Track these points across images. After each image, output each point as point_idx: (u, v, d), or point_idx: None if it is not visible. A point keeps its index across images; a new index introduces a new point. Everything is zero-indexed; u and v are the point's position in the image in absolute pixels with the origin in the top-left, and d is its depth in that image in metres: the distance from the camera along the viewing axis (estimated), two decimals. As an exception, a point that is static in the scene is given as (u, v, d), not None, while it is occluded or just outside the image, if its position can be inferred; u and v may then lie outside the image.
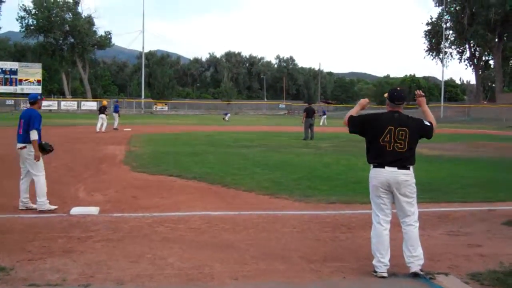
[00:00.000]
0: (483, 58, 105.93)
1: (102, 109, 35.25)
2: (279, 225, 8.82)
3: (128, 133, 33.42)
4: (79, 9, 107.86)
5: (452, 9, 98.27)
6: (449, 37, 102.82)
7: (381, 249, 6.23)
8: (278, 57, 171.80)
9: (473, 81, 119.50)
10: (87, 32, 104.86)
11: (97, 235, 7.86)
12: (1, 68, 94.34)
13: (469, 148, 26.12)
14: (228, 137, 31.25)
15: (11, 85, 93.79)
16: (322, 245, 7.61)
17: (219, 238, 7.86)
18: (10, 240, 7.51)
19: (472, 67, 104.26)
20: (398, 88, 6.73)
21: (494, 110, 76.18)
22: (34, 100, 10.19)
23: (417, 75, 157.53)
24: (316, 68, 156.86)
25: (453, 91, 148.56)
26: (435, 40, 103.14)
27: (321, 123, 56.13)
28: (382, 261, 6.20)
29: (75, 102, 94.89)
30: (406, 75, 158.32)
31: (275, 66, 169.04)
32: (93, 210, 9.58)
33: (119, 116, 38.20)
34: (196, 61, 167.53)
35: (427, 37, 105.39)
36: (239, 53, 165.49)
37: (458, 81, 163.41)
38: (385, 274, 6.16)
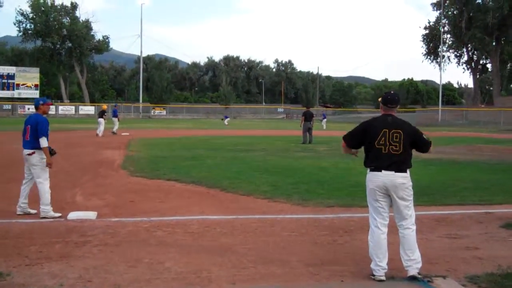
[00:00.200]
0: (481, 62, 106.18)
1: (101, 114, 35.34)
2: (277, 229, 8.81)
3: (126, 137, 33.43)
4: (77, 13, 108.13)
5: (450, 13, 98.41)
6: (447, 41, 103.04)
7: (379, 252, 6.23)
8: (276, 61, 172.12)
9: (470, 84, 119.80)
10: (85, 37, 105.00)
11: (95, 239, 7.84)
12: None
13: (466, 151, 26.14)
14: (226, 141, 31.24)
15: (8, 89, 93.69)
16: (320, 248, 7.60)
17: (217, 242, 7.85)
18: (7, 245, 7.48)
19: (469, 70, 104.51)
20: (392, 92, 6.77)
21: (492, 113, 76.25)
22: (37, 105, 10.14)
23: (415, 79, 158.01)
24: (315, 72, 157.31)
25: (451, 95, 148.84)
26: (433, 44, 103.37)
27: (324, 127, 56.23)
28: (380, 264, 6.20)
29: (73, 107, 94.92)
30: (404, 79, 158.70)
31: (274, 70, 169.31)
32: (91, 214, 9.56)
33: (118, 120, 38.21)
34: (195, 65, 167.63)
35: (425, 41, 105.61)
36: (237, 57, 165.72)
37: (455, 85, 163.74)
38: (383, 278, 6.16)
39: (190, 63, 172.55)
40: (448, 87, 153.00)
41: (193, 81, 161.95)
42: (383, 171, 6.21)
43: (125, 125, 40.41)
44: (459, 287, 5.90)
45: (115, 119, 37.56)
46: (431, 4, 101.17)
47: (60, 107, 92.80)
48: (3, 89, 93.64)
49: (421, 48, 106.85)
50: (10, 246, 7.40)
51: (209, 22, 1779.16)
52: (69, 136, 31.23)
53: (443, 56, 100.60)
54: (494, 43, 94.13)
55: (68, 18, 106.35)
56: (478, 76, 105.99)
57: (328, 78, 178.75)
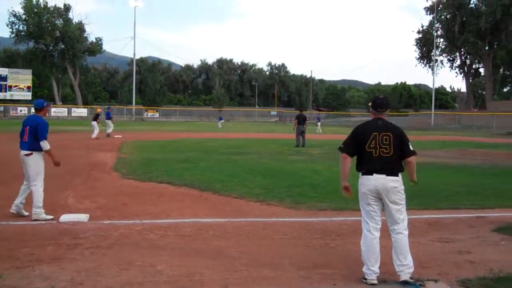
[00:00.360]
0: (474, 66, 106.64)
1: (94, 117, 35.38)
2: (270, 232, 8.81)
3: (119, 139, 33.34)
4: (70, 15, 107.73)
5: (443, 17, 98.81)
6: (440, 45, 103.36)
7: (371, 257, 6.24)
8: (269, 64, 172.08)
9: (463, 88, 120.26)
10: (78, 38, 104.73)
11: (87, 242, 7.82)
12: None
13: (459, 155, 26.20)
14: (219, 144, 31.22)
15: (0, 91, 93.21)
16: (312, 252, 7.61)
17: (209, 245, 7.84)
18: (-2, 247, 7.46)
19: (462, 74, 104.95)
20: (381, 96, 6.81)
21: (484, 117, 76.46)
22: (40, 107, 10.08)
23: (408, 83, 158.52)
24: (308, 75, 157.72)
25: (443, 99, 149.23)
26: (426, 48, 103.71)
27: (316, 131, 56.26)
28: (372, 269, 6.20)
29: (66, 109, 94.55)
30: (397, 83, 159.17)
31: (267, 73, 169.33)
32: (83, 217, 9.53)
33: (112, 122, 38.15)
34: (188, 67, 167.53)
35: (418, 45, 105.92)
36: (230, 60, 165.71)
37: (448, 89, 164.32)
38: (375, 282, 6.16)
39: (183, 65, 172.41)
40: (441, 91, 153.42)
41: (186, 83, 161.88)
42: (374, 174, 6.24)
43: (117, 127, 40.36)
44: (451, 291, 5.91)
45: (109, 121, 37.50)
46: (424, 8, 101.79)
47: (53, 109, 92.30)
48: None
49: (415, 52, 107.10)
50: (1, 248, 7.37)
51: (202, 25, 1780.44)
52: (61, 138, 31.10)
53: (436, 60, 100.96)
54: (487, 48, 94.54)
55: (61, 20, 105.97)
56: (471, 80, 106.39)
57: (321, 81, 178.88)
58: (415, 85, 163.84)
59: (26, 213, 9.62)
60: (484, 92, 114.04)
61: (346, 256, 7.34)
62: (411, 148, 6.43)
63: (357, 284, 6.20)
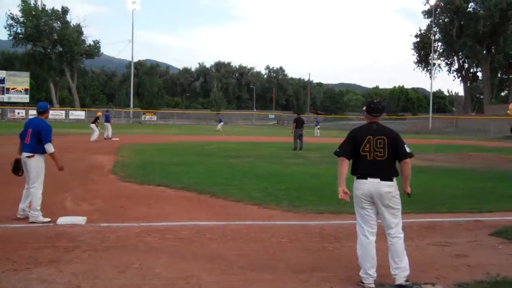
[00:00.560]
0: (471, 70, 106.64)
1: (94, 120, 35.41)
2: (267, 235, 8.80)
3: (117, 142, 33.35)
4: (68, 18, 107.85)
5: (441, 21, 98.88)
6: (438, 48, 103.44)
7: (367, 261, 6.24)
8: (267, 67, 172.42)
9: (461, 92, 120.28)
10: (75, 41, 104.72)
11: (84, 245, 7.82)
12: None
13: (457, 159, 26.20)
14: (217, 147, 31.22)
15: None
16: (309, 255, 7.61)
17: (207, 248, 7.84)
18: (-4, 250, 7.45)
19: (460, 78, 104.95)
20: (375, 100, 6.80)
21: (482, 121, 76.52)
22: (44, 110, 10.07)
23: (406, 86, 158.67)
24: (306, 79, 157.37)
25: (441, 103, 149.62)
26: (423, 52, 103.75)
27: (315, 134, 56.28)
28: (369, 272, 6.21)
29: (63, 112, 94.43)
30: (395, 86, 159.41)
31: (265, 76, 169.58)
32: (80, 219, 9.53)
33: (110, 125, 38.14)
34: (186, 71, 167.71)
35: (416, 49, 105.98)
36: (228, 63, 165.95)
37: (446, 93, 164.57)
38: (372, 285, 6.17)
39: (181, 68, 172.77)
40: (438, 95, 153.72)
41: (184, 86, 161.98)
42: (368, 178, 6.23)
43: (115, 130, 40.31)
44: (448, 295, 5.92)
45: (108, 124, 37.47)
46: (422, 12, 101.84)
47: (50, 112, 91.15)
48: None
49: (412, 56, 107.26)
50: (-2, 251, 7.36)
51: (200, 28, 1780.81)
52: (59, 141, 31.03)
53: (434, 64, 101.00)
54: (484, 52, 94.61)
55: (59, 23, 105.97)
56: (468, 84, 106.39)
57: (319, 85, 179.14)
58: (413, 89, 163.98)
59: None
60: (481, 96, 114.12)
61: (343, 259, 7.34)
62: (407, 150, 6.41)
63: (354, 288, 6.21)
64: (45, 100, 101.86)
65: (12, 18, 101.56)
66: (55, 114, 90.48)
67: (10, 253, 7.23)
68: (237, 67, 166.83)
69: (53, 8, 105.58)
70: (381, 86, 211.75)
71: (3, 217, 9.63)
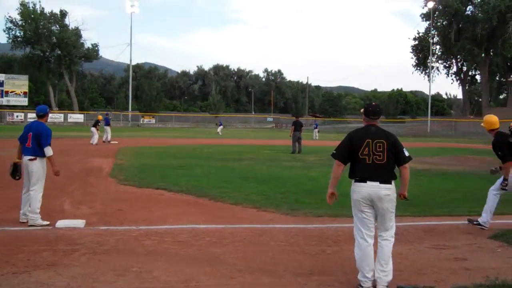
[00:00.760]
0: (470, 73, 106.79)
1: (95, 123, 35.41)
2: (266, 238, 8.81)
3: (115, 145, 33.34)
4: (67, 21, 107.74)
5: (439, 24, 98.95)
6: (436, 52, 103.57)
7: (366, 264, 6.24)
8: (266, 70, 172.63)
9: (459, 95, 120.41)
10: (74, 44, 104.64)
11: (83, 248, 7.81)
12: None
13: (455, 162, 26.22)
14: (216, 150, 31.23)
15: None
16: (308, 258, 7.61)
17: (205, 252, 7.83)
18: (-6, 253, 7.44)
19: (459, 81, 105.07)
20: (373, 103, 6.79)
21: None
22: (44, 113, 10.09)
23: (404, 89, 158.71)
24: (304, 82, 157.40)
25: (440, 106, 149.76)
26: (422, 54, 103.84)
27: (313, 137, 56.29)
28: (367, 276, 6.20)
29: (62, 115, 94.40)
30: (393, 89, 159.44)
31: (263, 79, 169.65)
32: (79, 223, 9.53)
33: (110, 128, 38.14)
34: (184, 74, 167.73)
35: (414, 52, 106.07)
36: (227, 66, 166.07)
37: (445, 96, 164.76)
38: (371, 288, 6.17)
39: (179, 71, 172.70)
40: (437, 98, 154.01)
41: (182, 90, 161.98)
42: (368, 182, 6.22)
43: (114, 133, 40.26)
44: (447, 298, 5.92)
45: (107, 128, 37.46)
46: (420, 15, 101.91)
47: (49, 115, 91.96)
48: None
49: (411, 59, 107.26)
50: (-3, 254, 7.35)
51: (199, 31, 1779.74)
52: (57, 144, 31.07)
53: (432, 67, 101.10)
54: (483, 55, 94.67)
55: (57, 26, 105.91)
56: (467, 87, 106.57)
57: (318, 88, 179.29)
58: (411, 92, 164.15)
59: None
60: (480, 99, 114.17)
61: (342, 262, 7.34)
62: (406, 154, 6.41)
63: (353, 291, 6.21)
64: (43, 103, 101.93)
65: (11, 22, 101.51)
66: (54, 117, 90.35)
67: (9, 256, 7.22)
68: (236, 70, 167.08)
69: (51, 12, 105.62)
70: (379, 89, 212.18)
71: (2, 220, 9.62)
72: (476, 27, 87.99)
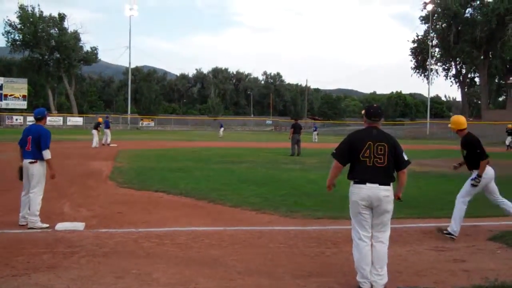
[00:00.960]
0: (469, 75, 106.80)
1: (95, 126, 35.49)
2: (265, 240, 8.81)
3: (114, 148, 33.37)
4: (65, 24, 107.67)
5: (438, 26, 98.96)
6: (435, 54, 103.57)
7: (364, 264, 6.25)
8: (265, 73, 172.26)
9: (458, 98, 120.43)
10: (73, 48, 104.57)
11: (82, 250, 7.81)
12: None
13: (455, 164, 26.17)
14: (215, 153, 31.22)
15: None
16: (308, 260, 7.61)
17: (205, 254, 7.83)
18: (-6, 255, 7.44)
19: (458, 84, 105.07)
20: (375, 105, 6.78)
21: (480, 126, 76.42)
22: (42, 116, 10.10)
23: (403, 92, 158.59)
24: (303, 85, 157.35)
25: (439, 108, 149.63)
26: (421, 57, 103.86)
27: (313, 139, 56.32)
28: (366, 276, 6.21)
29: (61, 118, 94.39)
30: (392, 92, 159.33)
31: (262, 82, 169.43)
32: (79, 225, 9.53)
33: (110, 131, 38.20)
34: (183, 77, 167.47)
35: (413, 54, 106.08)
36: (226, 69, 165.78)
37: (444, 98, 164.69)
38: (370, 288, 6.19)
39: (178, 74, 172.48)
40: (436, 100, 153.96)
41: (181, 92, 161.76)
42: (367, 183, 6.22)
43: (113, 136, 40.24)
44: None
45: (107, 130, 37.55)
46: (420, 17, 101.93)
47: (48, 118, 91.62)
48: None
49: (410, 61, 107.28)
50: (-3, 257, 7.35)
51: (198, 34, 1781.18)
52: (57, 147, 31.07)
53: (431, 70, 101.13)
54: (482, 57, 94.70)
55: (56, 29, 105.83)
56: (466, 89, 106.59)
57: (317, 90, 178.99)
58: (410, 94, 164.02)
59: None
60: (479, 101, 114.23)
61: (341, 264, 7.34)
62: (405, 158, 6.43)
63: (352, 293, 6.21)
64: (42, 106, 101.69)
65: (10, 25, 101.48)
66: (53, 120, 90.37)
67: (8, 259, 7.22)
68: (235, 73, 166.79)
69: (50, 15, 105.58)
70: (378, 92, 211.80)
71: (1, 223, 9.63)
72: (475, 30, 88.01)
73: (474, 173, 9.77)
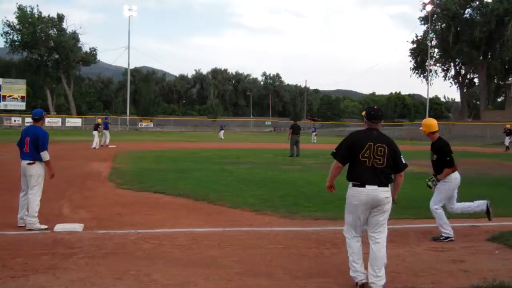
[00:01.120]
0: (468, 76, 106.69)
1: (95, 127, 35.52)
2: (264, 241, 8.81)
3: (113, 149, 33.36)
4: (64, 25, 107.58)
5: (437, 27, 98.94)
6: (434, 55, 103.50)
7: (356, 258, 6.34)
8: (264, 74, 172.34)
9: (457, 98, 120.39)
10: (72, 48, 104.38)
11: (81, 252, 7.81)
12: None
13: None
14: (214, 154, 31.23)
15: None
16: (307, 261, 7.61)
17: (204, 255, 7.84)
18: (-8, 257, 7.43)
19: (457, 84, 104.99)
20: (375, 107, 6.80)
21: (479, 127, 76.51)
22: (39, 116, 10.10)
23: (402, 93, 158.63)
24: (303, 85, 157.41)
25: (438, 109, 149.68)
26: (420, 58, 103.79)
27: (312, 140, 56.34)
28: (358, 270, 6.30)
29: (60, 119, 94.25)
30: (391, 93, 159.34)
31: (262, 83, 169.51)
32: (77, 227, 9.53)
33: (109, 132, 38.22)
34: (182, 77, 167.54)
35: (412, 55, 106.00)
36: (225, 70, 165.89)
37: (443, 99, 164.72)
38: (365, 280, 6.25)
39: (177, 75, 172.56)
40: (435, 101, 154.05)
41: (180, 93, 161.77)
42: (366, 186, 6.24)
43: (112, 137, 40.25)
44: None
45: (106, 132, 37.58)
46: (419, 18, 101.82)
47: (47, 119, 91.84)
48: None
49: (409, 62, 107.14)
50: (-5, 258, 7.35)
51: (197, 35, 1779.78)
52: (55, 149, 31.06)
53: (430, 70, 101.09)
54: (481, 58, 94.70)
55: (55, 30, 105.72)
56: (465, 90, 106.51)
57: (316, 91, 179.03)
58: (409, 95, 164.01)
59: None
60: (478, 102, 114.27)
61: (340, 265, 7.33)
62: (403, 161, 6.48)
63: (351, 293, 6.22)
64: (41, 107, 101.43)
65: (9, 26, 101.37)
66: (52, 121, 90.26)
67: (7, 260, 7.22)
68: (234, 74, 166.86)
69: (49, 15, 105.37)
70: (377, 93, 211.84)
71: (0, 224, 9.62)
72: (474, 30, 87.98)
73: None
